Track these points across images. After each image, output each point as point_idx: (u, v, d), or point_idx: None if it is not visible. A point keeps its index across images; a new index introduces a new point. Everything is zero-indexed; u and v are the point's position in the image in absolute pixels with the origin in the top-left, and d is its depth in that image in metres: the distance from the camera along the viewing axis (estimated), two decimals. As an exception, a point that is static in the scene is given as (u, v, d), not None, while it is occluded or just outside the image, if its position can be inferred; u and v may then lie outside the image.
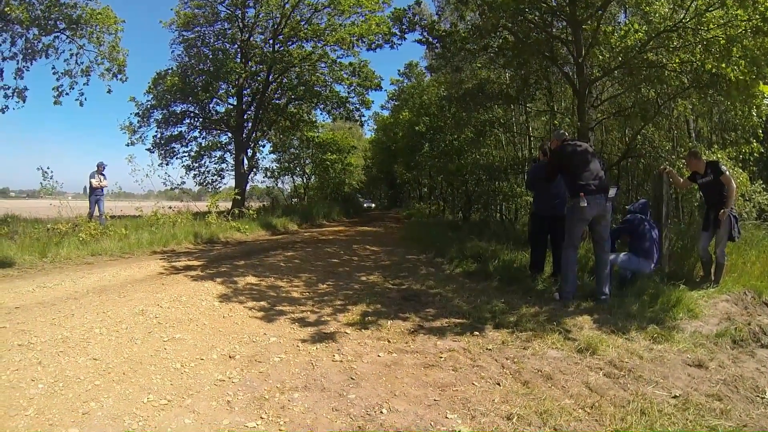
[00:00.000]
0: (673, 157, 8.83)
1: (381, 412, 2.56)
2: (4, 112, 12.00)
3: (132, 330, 3.83)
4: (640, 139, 9.61)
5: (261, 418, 2.50)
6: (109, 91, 13.07)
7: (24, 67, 11.66)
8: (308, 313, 4.64)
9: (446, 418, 2.49)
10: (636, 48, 7.11)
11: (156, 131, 19.65)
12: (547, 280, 5.84)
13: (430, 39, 10.48)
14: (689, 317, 4.28)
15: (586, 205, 4.67)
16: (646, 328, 3.90)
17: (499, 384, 2.90)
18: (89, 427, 2.34)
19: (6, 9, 9.21)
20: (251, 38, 18.78)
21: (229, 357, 3.40)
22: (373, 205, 44.90)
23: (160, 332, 3.82)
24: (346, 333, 4.00)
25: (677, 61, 7.07)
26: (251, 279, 6.13)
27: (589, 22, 7.90)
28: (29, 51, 11.48)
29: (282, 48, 18.01)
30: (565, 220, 5.10)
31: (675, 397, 2.69)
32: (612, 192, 5.07)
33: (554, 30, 9.10)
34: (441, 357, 3.41)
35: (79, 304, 4.57)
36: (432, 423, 2.44)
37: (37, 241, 7.76)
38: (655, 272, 5.35)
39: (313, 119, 23.28)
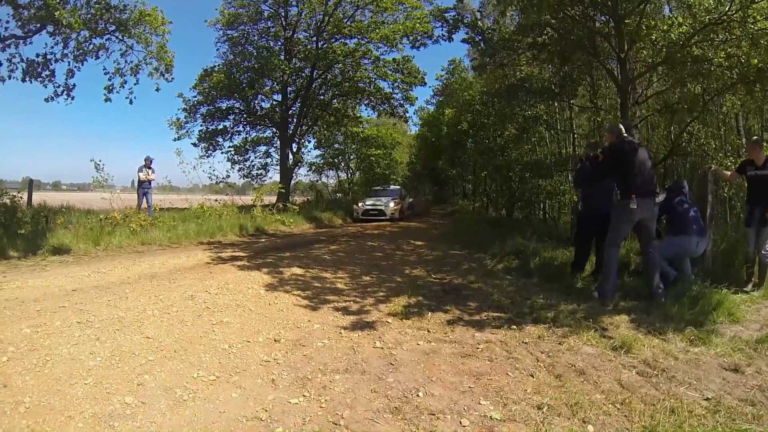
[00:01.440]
0: (720, 155, 8.54)
1: (417, 395, 2.70)
2: (49, 102, 12.53)
3: (182, 313, 4.13)
4: (686, 137, 9.33)
5: (303, 395, 2.69)
6: (158, 89, 13.57)
7: (75, 67, 12.26)
8: (351, 303, 4.84)
9: (479, 404, 2.61)
10: (680, 42, 6.91)
11: (201, 126, 20.40)
12: (587, 279, 5.83)
13: (475, 37, 10.42)
14: (730, 321, 4.21)
15: (636, 207, 4.61)
16: (683, 330, 3.86)
17: (532, 376, 2.99)
18: (143, 397, 2.59)
19: (57, 14, 9.67)
20: (294, 35, 19.22)
21: (274, 340, 3.62)
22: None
23: (208, 316, 4.11)
24: (388, 322, 4.17)
25: (722, 55, 6.83)
26: (296, 270, 6.41)
27: (631, 16, 7.74)
28: (80, 52, 12.05)
29: (325, 45, 18.28)
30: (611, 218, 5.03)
31: (707, 399, 2.69)
32: (660, 197, 5.00)
33: (596, 25, 8.95)
34: (478, 348, 3.52)
35: (132, 289, 4.92)
36: (465, 408, 2.56)
37: (90, 231, 8.28)
38: (703, 259, 5.21)
39: (358, 115, 23.64)
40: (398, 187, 22.53)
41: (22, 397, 2.48)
